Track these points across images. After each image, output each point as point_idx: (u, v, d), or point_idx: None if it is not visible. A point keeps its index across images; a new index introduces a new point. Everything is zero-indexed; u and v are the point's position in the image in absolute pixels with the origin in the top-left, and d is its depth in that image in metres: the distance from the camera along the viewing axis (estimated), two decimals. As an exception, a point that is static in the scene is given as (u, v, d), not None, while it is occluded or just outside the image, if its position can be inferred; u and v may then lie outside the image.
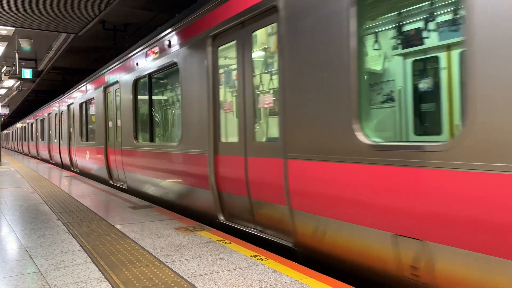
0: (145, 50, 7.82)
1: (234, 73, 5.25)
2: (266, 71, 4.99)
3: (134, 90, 8.47)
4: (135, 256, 4.00)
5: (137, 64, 8.21)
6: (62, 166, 17.34)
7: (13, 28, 11.15)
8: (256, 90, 4.85)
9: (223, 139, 5.39)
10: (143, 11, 11.20)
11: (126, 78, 8.84)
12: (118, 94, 9.53)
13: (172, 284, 3.22)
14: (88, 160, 12.36)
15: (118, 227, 5.31)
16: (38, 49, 15.00)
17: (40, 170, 14.94)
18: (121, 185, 9.50)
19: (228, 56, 5.50)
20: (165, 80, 7.98)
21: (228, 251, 4.11)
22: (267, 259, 3.81)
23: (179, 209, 6.51)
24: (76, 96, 13.99)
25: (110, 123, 10.25)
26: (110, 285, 3.23)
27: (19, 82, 19.68)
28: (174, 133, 7.71)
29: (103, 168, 10.63)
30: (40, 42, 13.81)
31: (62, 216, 6.07)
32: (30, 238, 4.81)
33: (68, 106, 15.43)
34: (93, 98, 11.73)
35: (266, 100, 4.67)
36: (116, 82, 9.58)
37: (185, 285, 3.20)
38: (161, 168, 7.03)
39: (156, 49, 7.29)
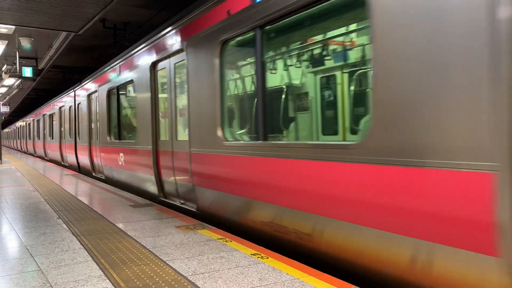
0: None
1: None
2: None
3: (219, 58, 5.21)
4: (135, 254, 4.01)
5: (228, 12, 4.94)
6: (79, 169, 14.17)
7: (13, 27, 11.16)
8: None
9: None
10: (143, 10, 11.20)
11: (202, 42, 5.56)
12: (182, 69, 6.48)
13: (173, 283, 3.22)
14: (122, 165, 9.06)
15: (119, 225, 5.32)
16: (38, 48, 15.01)
17: (41, 169, 14.95)
18: (181, 203, 6.58)
19: None
20: (311, 27, 4.45)
21: (228, 249, 4.12)
22: (268, 258, 3.81)
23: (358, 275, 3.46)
24: (102, 82, 10.65)
25: (163, 114, 7.30)
26: (110, 283, 3.23)
27: (20, 80, 19.70)
28: (342, 126, 4.51)
29: (150, 178, 7.50)
30: (41, 40, 13.82)
31: (62, 215, 6.08)
32: (31, 236, 4.82)
33: (89, 95, 12.14)
34: (131, 81, 8.47)
35: None
36: (178, 51, 6.42)
37: (185, 283, 3.20)
38: (300, 190, 3.91)
39: None
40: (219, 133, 5.25)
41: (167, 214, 5.95)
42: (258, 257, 3.83)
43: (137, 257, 3.92)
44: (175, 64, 6.63)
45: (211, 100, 5.40)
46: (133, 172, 8.38)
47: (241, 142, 4.94)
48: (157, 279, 3.30)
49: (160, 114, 7.28)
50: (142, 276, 3.39)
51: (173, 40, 6.48)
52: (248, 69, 5.35)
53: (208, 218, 5.72)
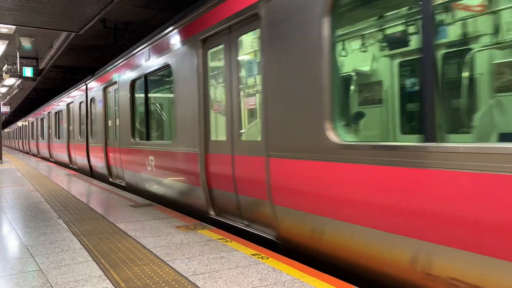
0: None
1: None
2: None
3: (330, 17, 3.49)
4: (136, 254, 4.01)
5: None
6: (91, 173, 12.55)
7: (14, 27, 11.18)
8: None
9: None
10: (143, 10, 11.21)
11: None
12: (252, 44, 4.93)
13: (173, 283, 3.23)
14: (151, 171, 7.43)
15: (119, 225, 5.32)
16: (39, 48, 15.03)
17: (41, 169, 14.95)
18: (246, 225, 4.95)
19: None
20: None
21: (228, 249, 4.12)
22: (268, 258, 3.82)
23: None
24: (124, 71, 8.99)
25: (216, 107, 5.60)
26: (111, 283, 3.23)
27: (20, 80, 19.73)
28: None
29: (194, 188, 5.90)
30: (41, 40, 13.84)
31: (63, 215, 6.08)
32: (31, 236, 4.82)
33: (105, 88, 10.51)
34: (166, 66, 6.75)
35: None
36: (246, 19, 4.70)
37: (186, 284, 3.20)
38: None
39: None
40: (328, 130, 3.53)
41: (167, 214, 5.96)
42: (258, 257, 3.83)
43: (137, 257, 3.92)
44: (238, 37, 4.92)
45: (311, 82, 3.70)
46: (168, 179, 6.76)
47: (382, 144, 3.06)
48: (157, 279, 3.30)
49: (211, 107, 5.64)
50: (142, 276, 3.39)
51: (238, 5, 4.73)
52: (393, 28, 3.52)
53: (301, 252, 3.99)
